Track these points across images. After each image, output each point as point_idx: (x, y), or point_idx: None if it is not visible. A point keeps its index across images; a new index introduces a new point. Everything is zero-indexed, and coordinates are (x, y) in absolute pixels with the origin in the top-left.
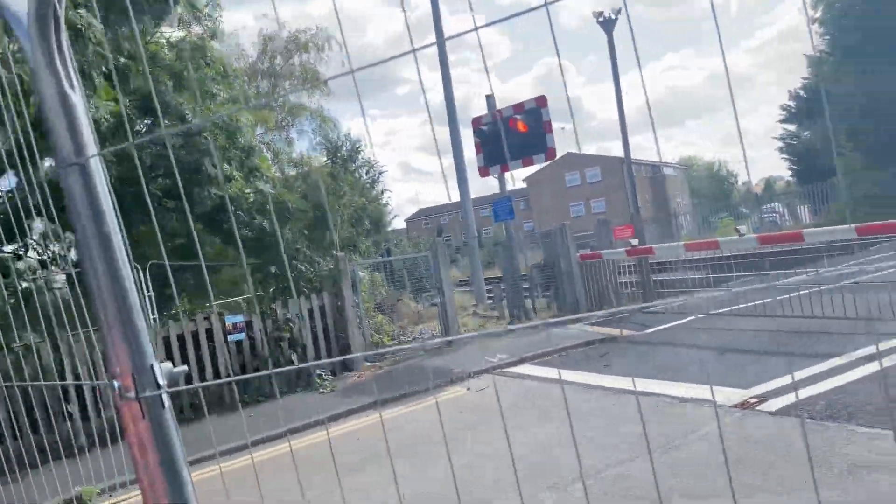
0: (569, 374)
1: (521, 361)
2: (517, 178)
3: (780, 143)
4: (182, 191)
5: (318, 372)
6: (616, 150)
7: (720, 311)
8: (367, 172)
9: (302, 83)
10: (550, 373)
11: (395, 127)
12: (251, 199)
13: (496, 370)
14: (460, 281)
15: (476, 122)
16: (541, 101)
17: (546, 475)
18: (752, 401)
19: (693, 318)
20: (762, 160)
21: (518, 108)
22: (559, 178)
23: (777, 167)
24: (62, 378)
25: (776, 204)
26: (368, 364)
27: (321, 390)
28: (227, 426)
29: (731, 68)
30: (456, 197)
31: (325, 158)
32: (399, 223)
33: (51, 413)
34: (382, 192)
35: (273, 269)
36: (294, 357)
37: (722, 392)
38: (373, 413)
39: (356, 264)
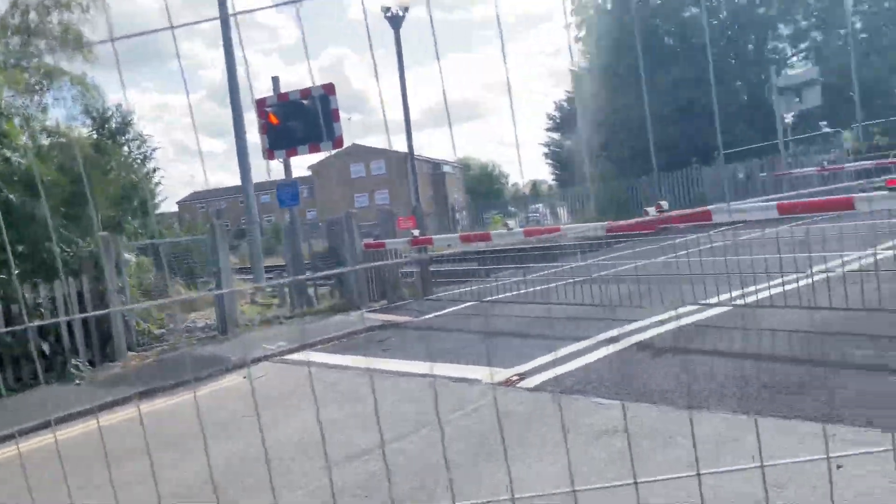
0: (349, 359)
1: (302, 348)
2: (301, 165)
3: (545, 150)
4: None
5: (73, 362)
6: (400, 144)
7: (491, 298)
8: (137, 148)
9: (61, 44)
10: (330, 358)
11: (170, 102)
12: None
13: (276, 357)
14: (239, 268)
15: (261, 104)
16: (328, 88)
17: (322, 456)
18: (514, 378)
19: (467, 305)
20: (530, 164)
21: (305, 93)
22: (345, 168)
23: (542, 171)
24: None
25: (540, 205)
26: (134, 354)
27: (77, 382)
28: None
29: (504, 77)
30: (234, 181)
31: (88, 129)
32: (171, 205)
33: None
34: (154, 171)
35: (21, 249)
36: (45, 346)
37: (488, 371)
38: (140, 403)
39: (122, 246)
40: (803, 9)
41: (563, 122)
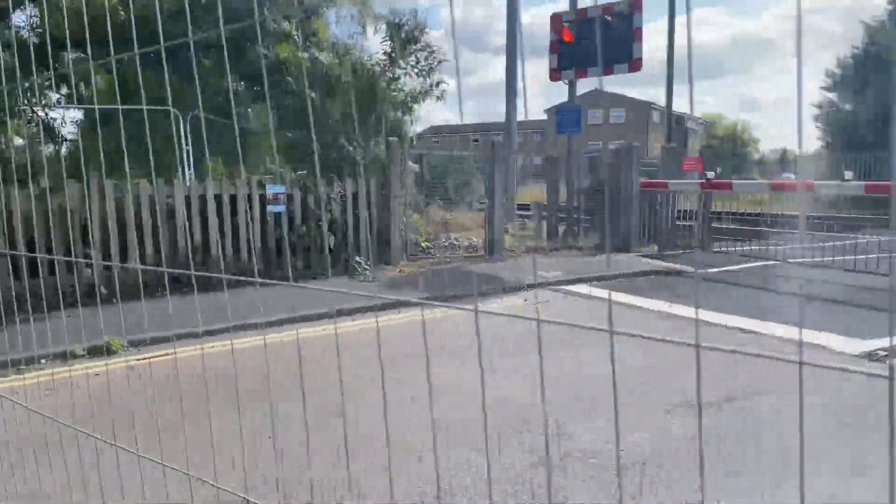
0: (644, 301)
1: (580, 281)
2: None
3: (817, 111)
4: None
5: (356, 259)
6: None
7: (796, 260)
8: (425, 59)
9: None
10: (614, 296)
11: None
12: (304, 66)
13: (553, 286)
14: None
15: (556, 19)
16: (635, 3)
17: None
18: (881, 353)
19: (757, 264)
20: (781, 127)
21: (607, 9)
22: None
23: (793, 138)
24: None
25: (792, 174)
26: (404, 263)
27: (360, 278)
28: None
29: (760, 33)
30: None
31: (382, 36)
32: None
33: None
34: (438, 84)
35: (316, 146)
36: (331, 240)
37: (838, 339)
38: (413, 310)
39: (406, 154)
40: None
41: (846, 80)
